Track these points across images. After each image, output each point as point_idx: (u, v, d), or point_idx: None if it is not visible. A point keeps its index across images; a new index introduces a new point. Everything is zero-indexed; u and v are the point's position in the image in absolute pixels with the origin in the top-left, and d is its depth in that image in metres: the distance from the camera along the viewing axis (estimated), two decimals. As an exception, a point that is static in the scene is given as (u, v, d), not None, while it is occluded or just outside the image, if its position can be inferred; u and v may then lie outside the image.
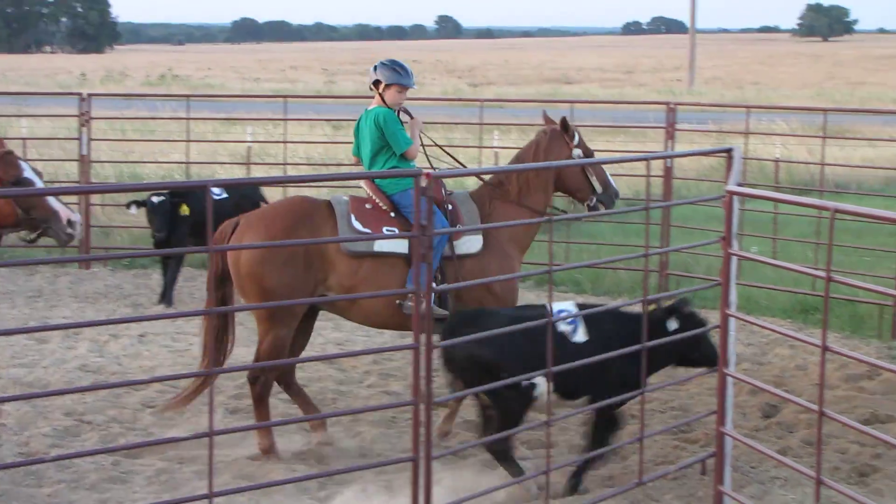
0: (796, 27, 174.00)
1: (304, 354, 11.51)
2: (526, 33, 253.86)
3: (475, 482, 9.67)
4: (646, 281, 11.47)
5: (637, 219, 17.62)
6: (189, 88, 57.98)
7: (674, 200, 16.75)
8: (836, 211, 6.58)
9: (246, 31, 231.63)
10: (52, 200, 11.03)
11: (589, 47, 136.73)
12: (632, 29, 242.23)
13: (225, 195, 16.31)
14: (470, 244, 11.11)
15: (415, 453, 7.70)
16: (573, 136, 11.90)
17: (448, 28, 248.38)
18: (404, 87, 11.93)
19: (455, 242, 10.94)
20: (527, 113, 32.32)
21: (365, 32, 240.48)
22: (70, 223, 10.64)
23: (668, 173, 17.77)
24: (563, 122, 12.03)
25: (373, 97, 11.89)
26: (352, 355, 12.73)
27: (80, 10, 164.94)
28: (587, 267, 12.83)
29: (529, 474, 9.36)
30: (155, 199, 16.74)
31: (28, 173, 11.07)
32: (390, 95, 11.79)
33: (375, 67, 12.15)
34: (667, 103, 18.85)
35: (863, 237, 17.72)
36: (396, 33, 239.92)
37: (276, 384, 11.02)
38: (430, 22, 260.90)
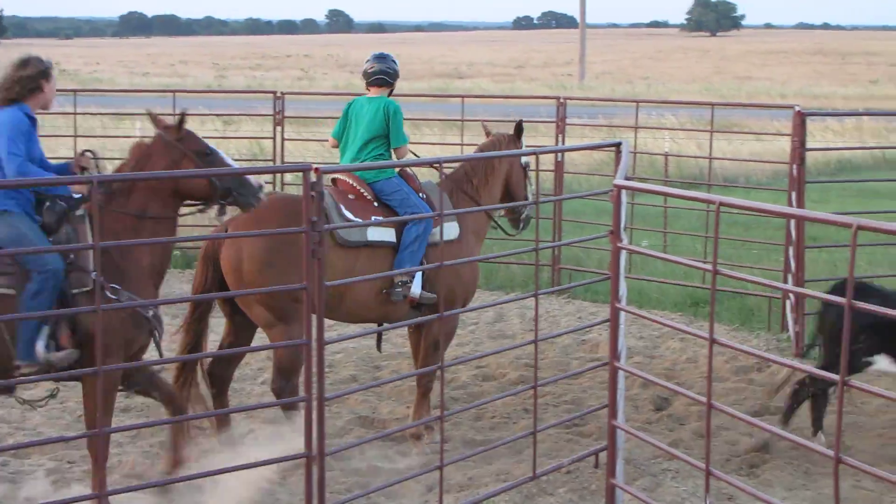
0: (685, 22, 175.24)
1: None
2: (418, 28, 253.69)
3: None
4: (536, 275, 11.52)
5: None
6: (77, 83, 57.29)
7: (564, 195, 16.82)
8: (722, 204, 6.64)
9: (134, 24, 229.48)
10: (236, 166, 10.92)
11: (480, 42, 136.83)
12: (522, 24, 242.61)
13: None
14: (449, 231, 11.12)
15: (308, 450, 7.68)
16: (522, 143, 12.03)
17: (339, 22, 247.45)
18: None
19: (436, 229, 10.73)
20: (419, 107, 32.37)
21: (256, 27, 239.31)
22: (260, 188, 10.23)
23: (558, 168, 17.82)
24: (519, 126, 12.11)
25: (378, 87, 12.27)
26: (246, 351, 12.67)
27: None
28: (480, 261, 12.80)
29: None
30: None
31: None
32: (393, 89, 12.39)
33: (382, 59, 12.48)
34: (557, 98, 18.89)
35: (751, 230, 17.91)
36: (287, 27, 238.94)
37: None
38: (321, 16, 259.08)
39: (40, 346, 9.05)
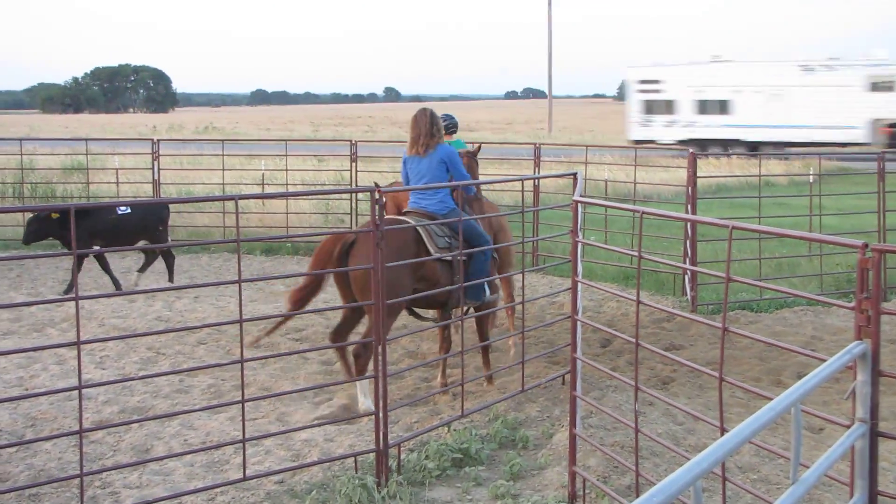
0: (616, 94, 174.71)
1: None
2: (442, 98, 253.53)
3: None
4: (524, 259, 11.51)
5: (516, 219, 17.64)
6: (223, 135, 57.40)
7: (539, 206, 16.83)
8: (643, 213, 6.61)
9: (260, 97, 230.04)
10: None
11: (483, 107, 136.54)
12: (510, 95, 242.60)
13: (129, 210, 15.04)
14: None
15: (376, 372, 7.67)
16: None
17: (391, 94, 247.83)
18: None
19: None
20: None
21: (337, 98, 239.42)
22: None
23: (536, 189, 17.85)
24: (479, 148, 11.70)
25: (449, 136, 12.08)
26: (335, 308, 12.65)
27: (151, 84, 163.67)
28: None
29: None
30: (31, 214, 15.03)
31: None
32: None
33: (451, 117, 12.22)
34: (534, 143, 18.95)
35: (662, 229, 17.82)
36: (357, 98, 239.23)
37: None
38: (380, 91, 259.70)
39: (487, 292, 9.57)
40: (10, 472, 7.78)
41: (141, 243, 15.17)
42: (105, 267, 15.18)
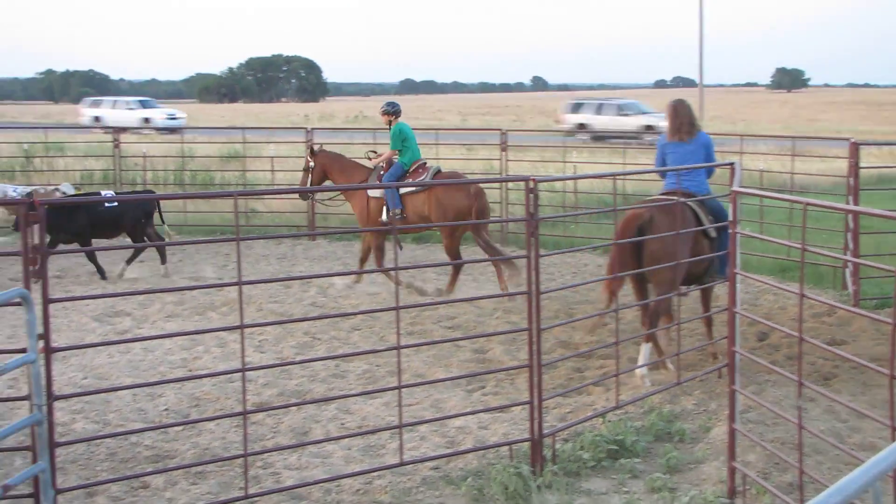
0: (769, 83, 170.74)
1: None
2: (590, 87, 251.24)
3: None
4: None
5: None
6: (374, 124, 57.97)
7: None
8: (807, 204, 6.41)
9: (408, 87, 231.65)
10: None
11: (631, 97, 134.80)
12: (660, 84, 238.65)
13: (115, 204, 15.24)
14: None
15: (530, 362, 7.66)
16: None
17: (539, 84, 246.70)
18: (382, 113, 14.95)
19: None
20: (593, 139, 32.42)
21: (485, 87, 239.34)
22: None
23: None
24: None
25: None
26: (486, 298, 12.64)
27: (303, 74, 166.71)
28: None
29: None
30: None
31: None
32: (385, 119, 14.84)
33: (395, 104, 14.89)
34: (688, 134, 18.62)
35: (820, 221, 17.34)
36: (505, 88, 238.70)
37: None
38: (528, 80, 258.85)
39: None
40: (177, 449, 8.04)
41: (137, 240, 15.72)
42: (92, 258, 15.37)
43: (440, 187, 13.94)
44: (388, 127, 14.90)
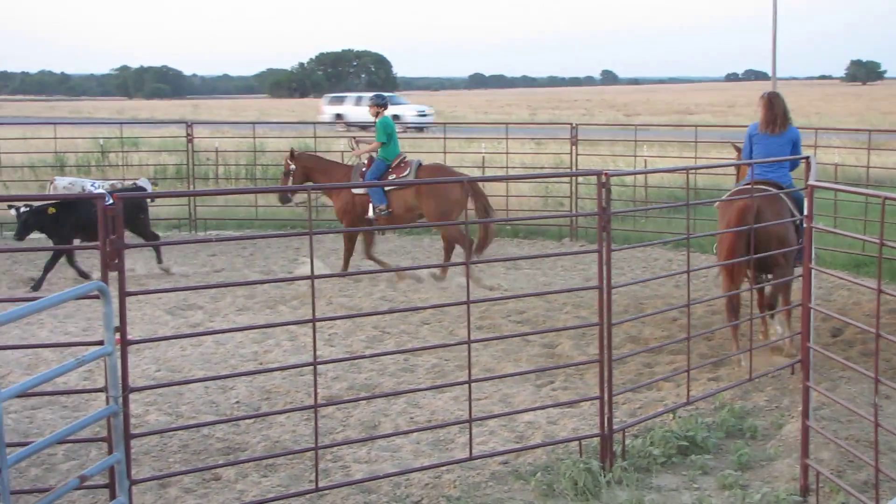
0: (844, 75, 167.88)
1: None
2: (660, 80, 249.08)
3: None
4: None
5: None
6: (443, 119, 58.06)
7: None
8: (886, 198, 6.29)
9: (477, 81, 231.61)
10: None
11: (703, 90, 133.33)
12: (731, 77, 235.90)
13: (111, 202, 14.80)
14: None
15: (600, 357, 7.62)
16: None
17: (609, 77, 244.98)
18: (370, 105, 15.44)
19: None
20: (662, 133, 32.06)
21: (554, 81, 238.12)
22: None
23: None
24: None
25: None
26: (555, 293, 12.63)
27: (373, 69, 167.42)
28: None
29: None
30: (21, 210, 14.51)
31: None
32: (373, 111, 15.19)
33: (382, 96, 15.47)
34: (760, 127, 18.40)
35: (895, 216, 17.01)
36: (574, 81, 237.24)
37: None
38: (597, 73, 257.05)
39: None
40: (248, 441, 8.13)
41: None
42: (71, 261, 15.00)
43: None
44: (374, 118, 15.22)
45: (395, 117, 53.79)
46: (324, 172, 15.08)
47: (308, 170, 15.10)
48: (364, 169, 14.80)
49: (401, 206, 14.66)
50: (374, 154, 14.93)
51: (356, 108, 54.29)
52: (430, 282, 14.34)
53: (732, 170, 20.04)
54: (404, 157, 14.92)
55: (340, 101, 59.78)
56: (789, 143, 10.72)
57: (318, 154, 15.63)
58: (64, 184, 17.35)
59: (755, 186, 10.05)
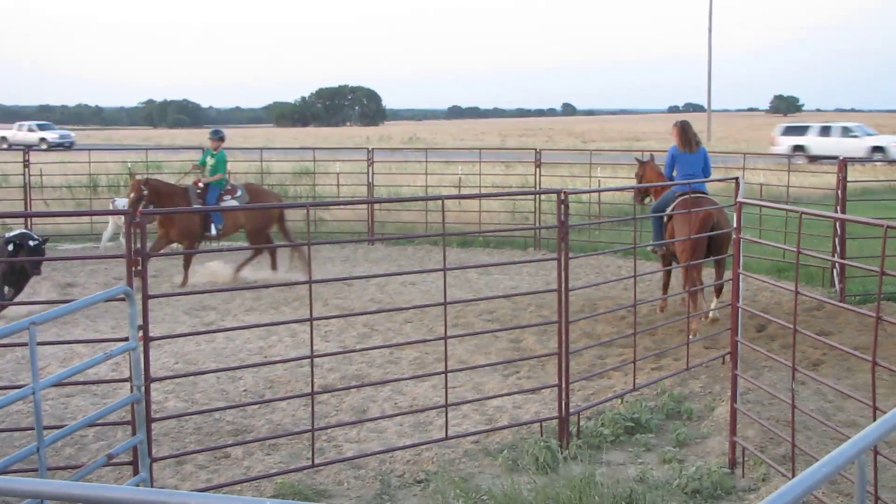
0: (768, 108, 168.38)
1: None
2: (612, 111, 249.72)
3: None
4: (691, 255, 11.19)
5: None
6: (425, 145, 58.11)
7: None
8: (803, 213, 6.34)
9: (456, 112, 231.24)
10: None
11: (649, 120, 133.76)
12: (673, 109, 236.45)
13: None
14: None
15: (559, 350, 7.63)
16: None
17: (568, 109, 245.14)
18: (214, 140, 15.49)
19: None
20: (617, 157, 32.15)
21: (522, 112, 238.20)
22: None
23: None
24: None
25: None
26: (519, 295, 12.64)
27: (365, 102, 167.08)
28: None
29: None
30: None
31: None
32: (211, 144, 15.42)
33: (220, 131, 15.69)
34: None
35: (811, 227, 17.04)
36: (539, 112, 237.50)
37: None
38: (558, 105, 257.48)
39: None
40: (253, 425, 8.11)
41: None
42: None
43: (253, 199, 15.28)
44: (213, 151, 15.60)
45: (878, 149, 42.37)
46: (168, 196, 14.97)
47: (157, 193, 14.80)
48: (198, 191, 15.29)
49: (232, 225, 15.44)
50: (206, 180, 15.45)
51: (819, 139, 44.14)
52: (414, 286, 14.36)
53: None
54: (229, 182, 15.68)
55: (802, 131, 45.39)
56: (702, 158, 11.94)
57: (160, 180, 15.72)
58: (122, 203, 17.33)
59: (704, 197, 11.17)
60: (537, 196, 19.37)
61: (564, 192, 7.43)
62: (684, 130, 11.94)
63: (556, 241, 7.50)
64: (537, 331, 11.21)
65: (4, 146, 59.14)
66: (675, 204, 11.48)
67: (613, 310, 10.60)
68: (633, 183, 14.07)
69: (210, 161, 15.48)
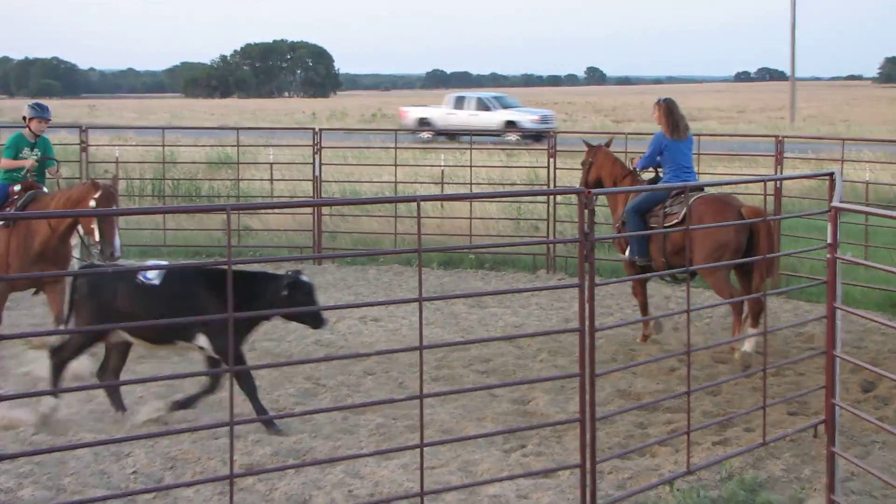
0: (877, 75, 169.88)
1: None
2: (657, 80, 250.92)
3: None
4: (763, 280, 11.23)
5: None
6: (394, 124, 58.22)
7: (785, 214, 16.40)
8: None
9: (437, 79, 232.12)
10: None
11: (707, 91, 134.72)
12: (742, 77, 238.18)
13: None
14: None
15: (581, 415, 7.55)
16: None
17: (595, 76, 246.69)
18: (44, 120, 13.68)
19: None
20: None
21: (529, 80, 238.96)
22: None
23: (777, 193, 17.42)
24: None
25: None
26: (527, 336, 12.60)
27: (310, 64, 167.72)
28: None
29: None
30: None
31: None
32: (34, 126, 13.56)
33: (25, 108, 13.92)
34: (775, 136, 18.54)
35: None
36: (553, 81, 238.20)
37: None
38: (580, 72, 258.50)
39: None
40: (146, 522, 7.99)
41: None
42: None
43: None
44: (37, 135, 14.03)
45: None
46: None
47: None
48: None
49: None
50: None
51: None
52: (378, 322, 14.29)
53: (745, 188, 20.16)
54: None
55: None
56: (691, 145, 13.29)
57: None
58: None
59: (731, 195, 12.46)
60: (551, 197, 19.34)
61: (589, 192, 7.37)
62: (671, 111, 13.06)
63: (578, 261, 7.44)
64: (551, 387, 11.14)
65: None
66: (693, 203, 12.23)
67: (659, 358, 10.57)
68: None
69: (32, 154, 14.55)
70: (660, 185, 13.14)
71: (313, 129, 21.10)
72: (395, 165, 21.21)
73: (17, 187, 13.46)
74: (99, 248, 12.31)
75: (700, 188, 12.55)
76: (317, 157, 20.19)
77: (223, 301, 8.61)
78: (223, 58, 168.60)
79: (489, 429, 9.89)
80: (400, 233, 19.69)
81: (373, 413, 10.48)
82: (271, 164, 22.23)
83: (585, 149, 14.38)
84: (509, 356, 12.66)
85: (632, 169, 13.80)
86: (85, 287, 10.52)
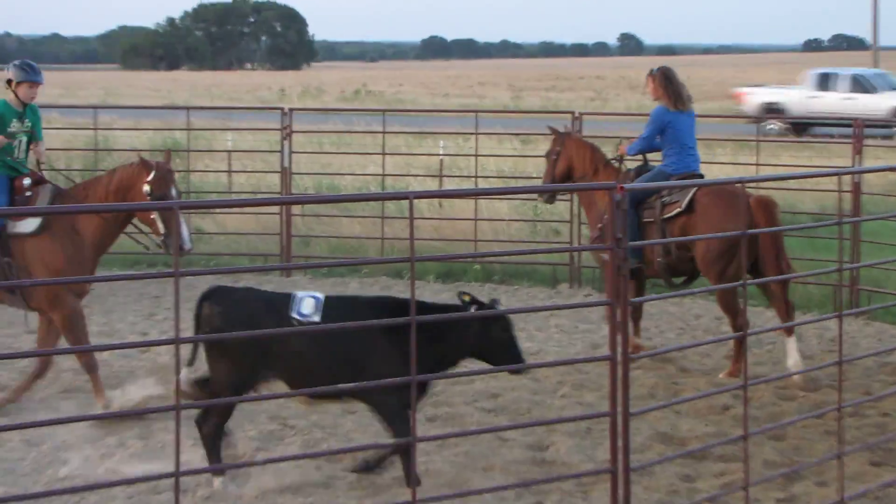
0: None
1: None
2: (707, 50, 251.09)
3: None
4: (840, 295, 11.23)
5: (825, 233, 17.22)
6: (382, 103, 58.49)
7: (865, 216, 16.35)
8: None
9: (435, 48, 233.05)
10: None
11: (771, 63, 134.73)
12: (812, 46, 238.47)
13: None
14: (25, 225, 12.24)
15: (613, 465, 7.52)
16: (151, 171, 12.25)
17: (630, 45, 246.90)
18: (35, 84, 13.27)
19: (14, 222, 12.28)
20: (708, 128, 32.01)
21: (549, 50, 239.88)
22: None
23: (856, 188, 17.33)
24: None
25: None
26: (546, 366, 12.55)
27: (278, 29, 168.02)
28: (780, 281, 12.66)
29: None
30: None
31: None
32: (22, 92, 13.15)
33: (9, 68, 13.53)
34: (855, 119, 18.44)
35: None
36: (580, 50, 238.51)
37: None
38: (612, 39, 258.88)
39: None
40: None
41: None
42: None
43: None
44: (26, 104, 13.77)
45: None
46: None
47: None
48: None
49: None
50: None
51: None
52: None
53: (816, 182, 20.14)
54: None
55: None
56: (694, 121, 13.75)
57: None
58: None
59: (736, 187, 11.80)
60: (574, 195, 19.34)
61: (622, 188, 7.34)
62: (670, 79, 13.61)
63: (607, 272, 7.41)
64: (575, 430, 11.16)
65: None
66: (692, 196, 12.72)
67: (708, 393, 10.55)
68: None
69: (22, 127, 14.33)
70: (672, 171, 13.29)
71: (282, 108, 21.13)
72: (383, 154, 21.25)
73: (26, 181, 12.98)
74: (163, 241, 12.15)
75: (700, 175, 13.10)
76: (286, 143, 20.18)
77: (403, 347, 7.86)
78: (170, 21, 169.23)
79: (498, 481, 9.91)
80: (388, 238, 19.68)
81: (353, 461, 10.47)
82: (229, 151, 22.29)
83: (560, 136, 14.59)
84: (523, 391, 12.67)
85: (616, 156, 13.89)
86: (220, 319, 9.93)
